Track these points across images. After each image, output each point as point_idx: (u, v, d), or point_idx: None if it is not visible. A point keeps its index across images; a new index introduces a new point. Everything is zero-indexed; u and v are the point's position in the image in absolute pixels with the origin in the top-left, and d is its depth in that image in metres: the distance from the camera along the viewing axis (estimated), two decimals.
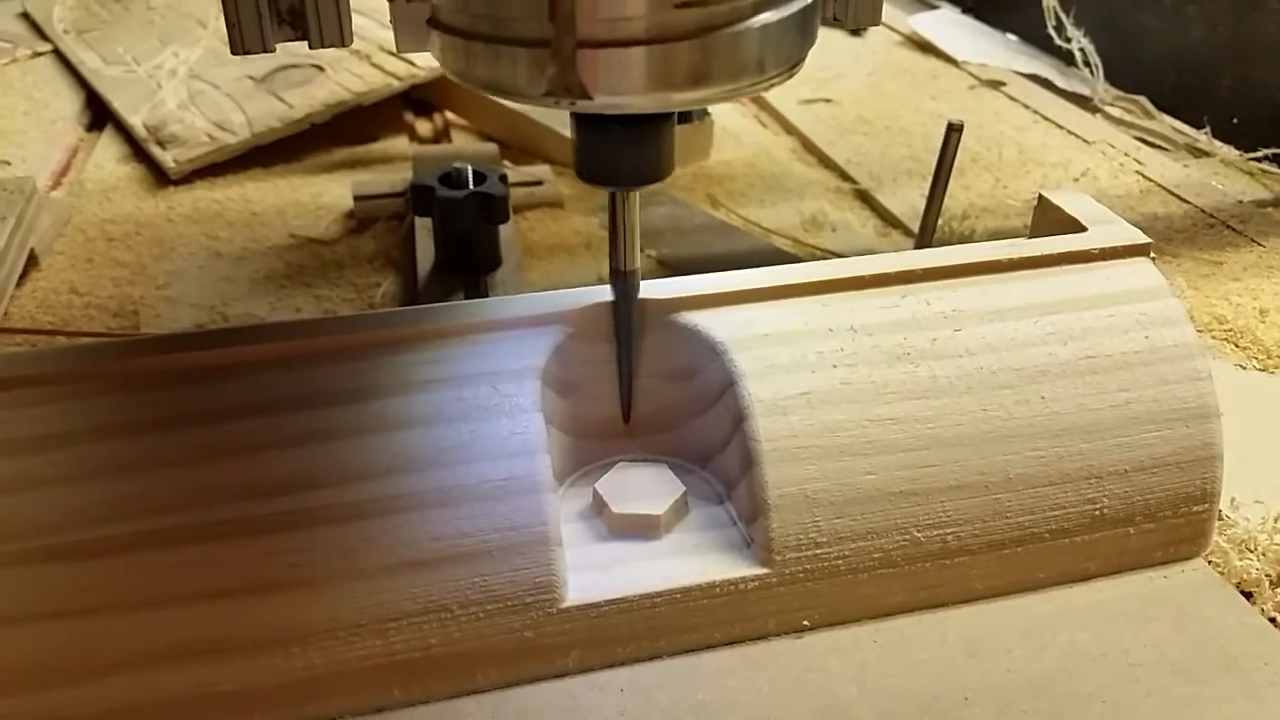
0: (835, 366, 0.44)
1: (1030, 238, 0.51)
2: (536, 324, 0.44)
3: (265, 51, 0.38)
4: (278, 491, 0.39)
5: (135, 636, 0.39)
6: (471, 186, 0.67)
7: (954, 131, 0.70)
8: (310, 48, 0.39)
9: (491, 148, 0.86)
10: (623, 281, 0.45)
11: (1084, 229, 0.51)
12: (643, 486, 0.45)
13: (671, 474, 0.46)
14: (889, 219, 0.82)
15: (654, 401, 0.47)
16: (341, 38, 0.39)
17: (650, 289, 0.46)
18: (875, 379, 0.44)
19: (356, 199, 0.81)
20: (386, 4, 0.40)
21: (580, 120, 0.40)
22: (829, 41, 0.33)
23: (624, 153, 0.40)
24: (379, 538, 0.40)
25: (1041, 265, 0.49)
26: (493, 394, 0.42)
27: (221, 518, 0.39)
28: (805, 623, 0.43)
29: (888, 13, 1.26)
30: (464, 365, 0.43)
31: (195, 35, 1.12)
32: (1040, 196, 0.54)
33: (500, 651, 0.41)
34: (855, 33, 1.21)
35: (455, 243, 0.67)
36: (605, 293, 0.45)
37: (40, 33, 1.26)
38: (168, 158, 0.88)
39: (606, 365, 0.46)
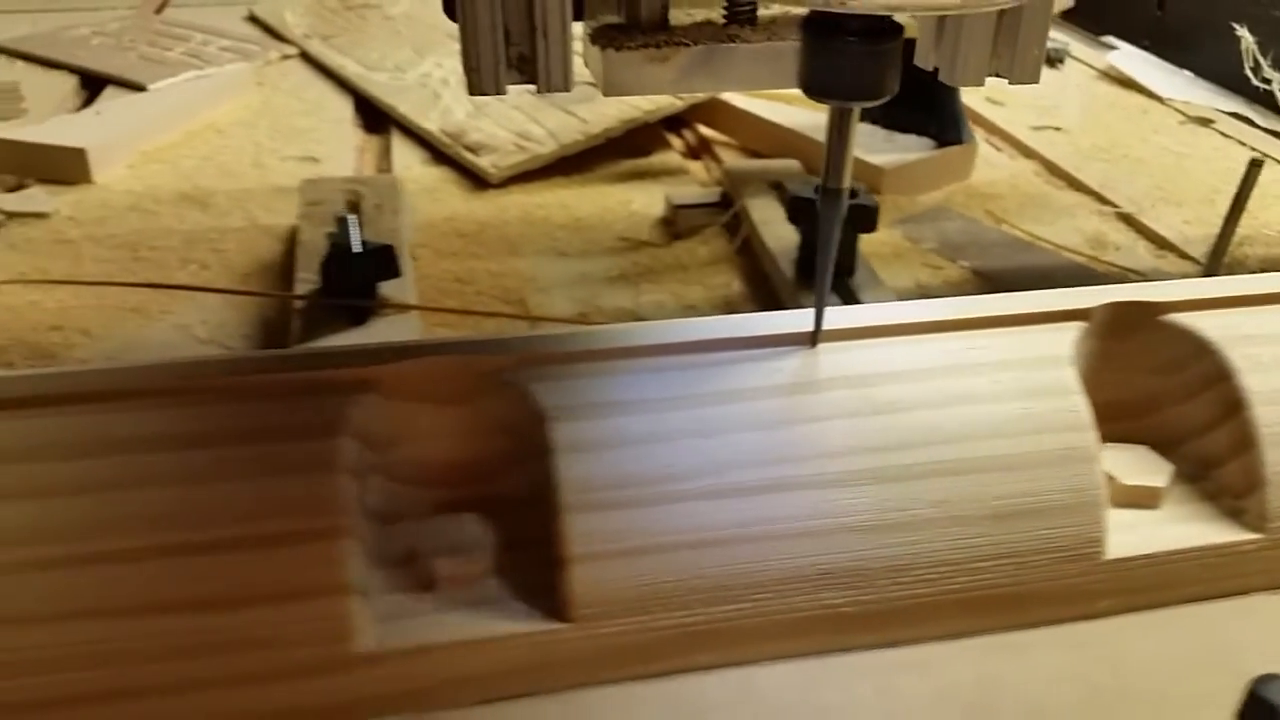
0: None
1: None
2: (1058, 319, 0.52)
3: (498, 94, 0.43)
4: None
5: None
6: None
7: (1255, 166, 0.79)
8: (538, 91, 0.43)
9: (794, 163, 0.93)
10: (833, 199, 0.47)
11: None
12: (1134, 465, 0.53)
13: (1156, 455, 0.53)
14: (1159, 242, 0.90)
15: (1131, 392, 0.55)
16: (565, 83, 0.43)
17: (1136, 291, 0.54)
18: None
19: (678, 208, 0.88)
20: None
21: (813, 34, 0.42)
22: None
23: (854, 66, 0.41)
24: (967, 490, 0.47)
25: None
26: (1030, 378, 0.50)
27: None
28: None
29: (1081, 49, 1.35)
30: (1008, 353, 0.51)
31: (450, 47, 1.19)
32: None
33: (1055, 594, 0.48)
34: (1050, 64, 1.29)
35: None
36: (1116, 293, 0.53)
37: (275, 35, 1.33)
38: (485, 163, 0.96)
39: (1102, 359, 0.54)
